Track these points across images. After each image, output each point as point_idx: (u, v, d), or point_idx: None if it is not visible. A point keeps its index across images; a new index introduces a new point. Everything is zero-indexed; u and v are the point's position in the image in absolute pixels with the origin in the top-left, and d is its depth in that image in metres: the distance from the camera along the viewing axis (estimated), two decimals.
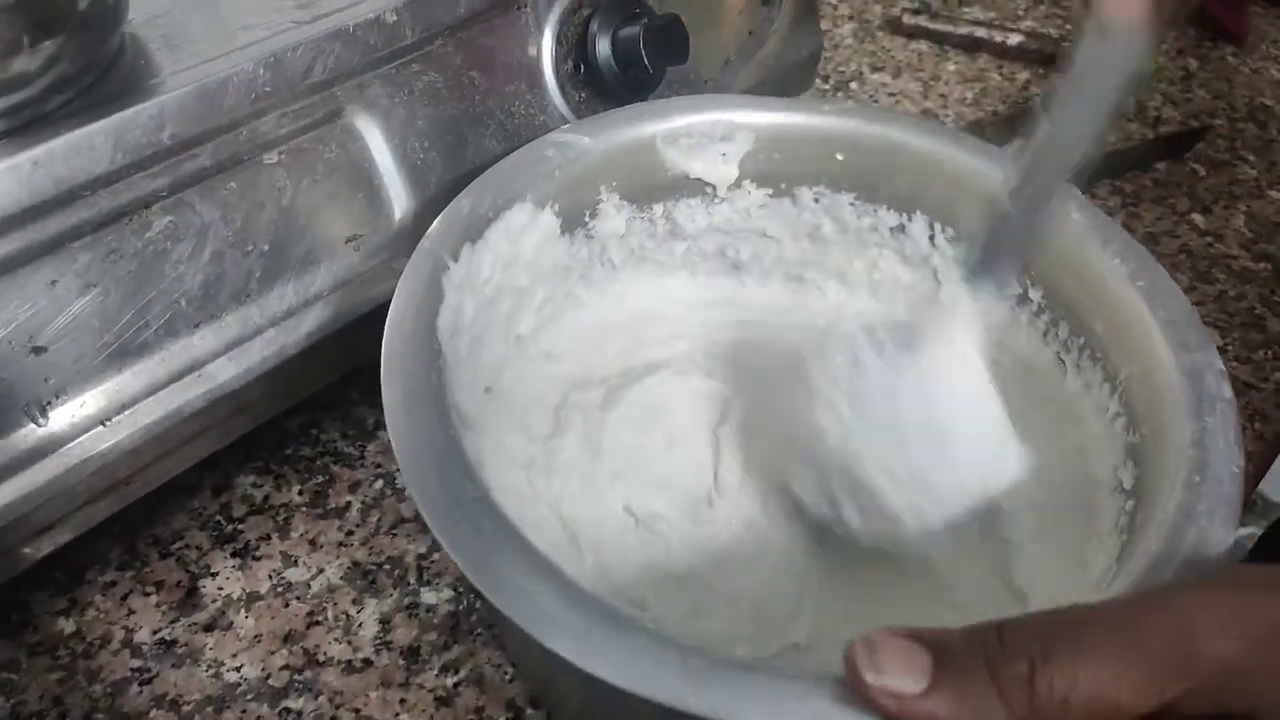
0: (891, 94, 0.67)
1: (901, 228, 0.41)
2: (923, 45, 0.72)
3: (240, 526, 0.40)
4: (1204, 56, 0.73)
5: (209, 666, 0.36)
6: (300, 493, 0.41)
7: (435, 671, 0.36)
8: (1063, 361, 0.37)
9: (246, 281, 0.35)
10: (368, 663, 0.36)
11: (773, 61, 0.53)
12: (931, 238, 0.41)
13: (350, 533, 0.40)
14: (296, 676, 0.36)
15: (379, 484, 0.42)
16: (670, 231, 0.42)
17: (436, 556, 0.39)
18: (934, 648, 0.23)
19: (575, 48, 0.43)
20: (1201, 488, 0.28)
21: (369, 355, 0.41)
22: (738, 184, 0.41)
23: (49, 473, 0.32)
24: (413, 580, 0.39)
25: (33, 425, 0.31)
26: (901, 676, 0.22)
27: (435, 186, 0.39)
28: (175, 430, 0.34)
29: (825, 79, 0.67)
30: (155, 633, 0.36)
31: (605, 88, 0.43)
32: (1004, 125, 0.63)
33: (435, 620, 0.37)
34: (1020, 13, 0.76)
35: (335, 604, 0.38)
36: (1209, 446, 0.29)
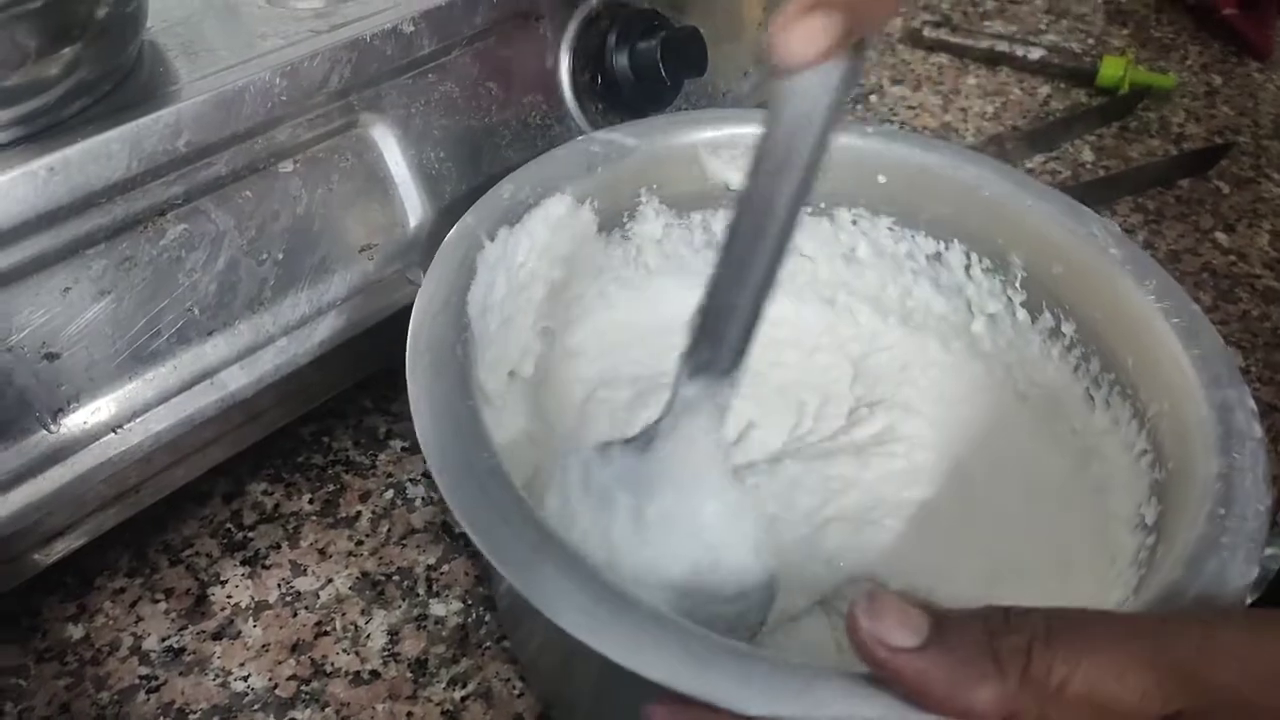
0: (911, 107, 0.66)
1: (938, 255, 0.41)
2: (943, 58, 0.71)
3: (250, 534, 0.40)
4: (1228, 72, 0.72)
5: (216, 675, 0.36)
6: (311, 501, 0.41)
7: (443, 685, 0.36)
8: (1092, 397, 0.37)
9: (260, 290, 0.35)
10: (375, 674, 0.36)
11: None
12: (967, 268, 0.40)
13: (360, 542, 0.40)
14: (303, 687, 0.35)
15: (390, 494, 0.42)
16: (707, 241, 0.42)
17: (446, 568, 0.39)
18: (935, 614, 0.22)
19: (593, 59, 0.43)
20: (1225, 522, 0.27)
21: (381, 364, 0.42)
22: None
23: (60, 479, 0.32)
24: (422, 592, 0.38)
25: (44, 431, 0.31)
26: (898, 628, 0.22)
27: (450, 196, 0.39)
28: (187, 438, 0.34)
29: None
30: (163, 640, 0.36)
31: (623, 99, 0.43)
32: (1024, 140, 0.62)
33: (444, 633, 0.37)
34: (1042, 27, 0.75)
35: (344, 614, 0.38)
36: (1235, 482, 0.28)
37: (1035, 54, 0.69)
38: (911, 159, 0.40)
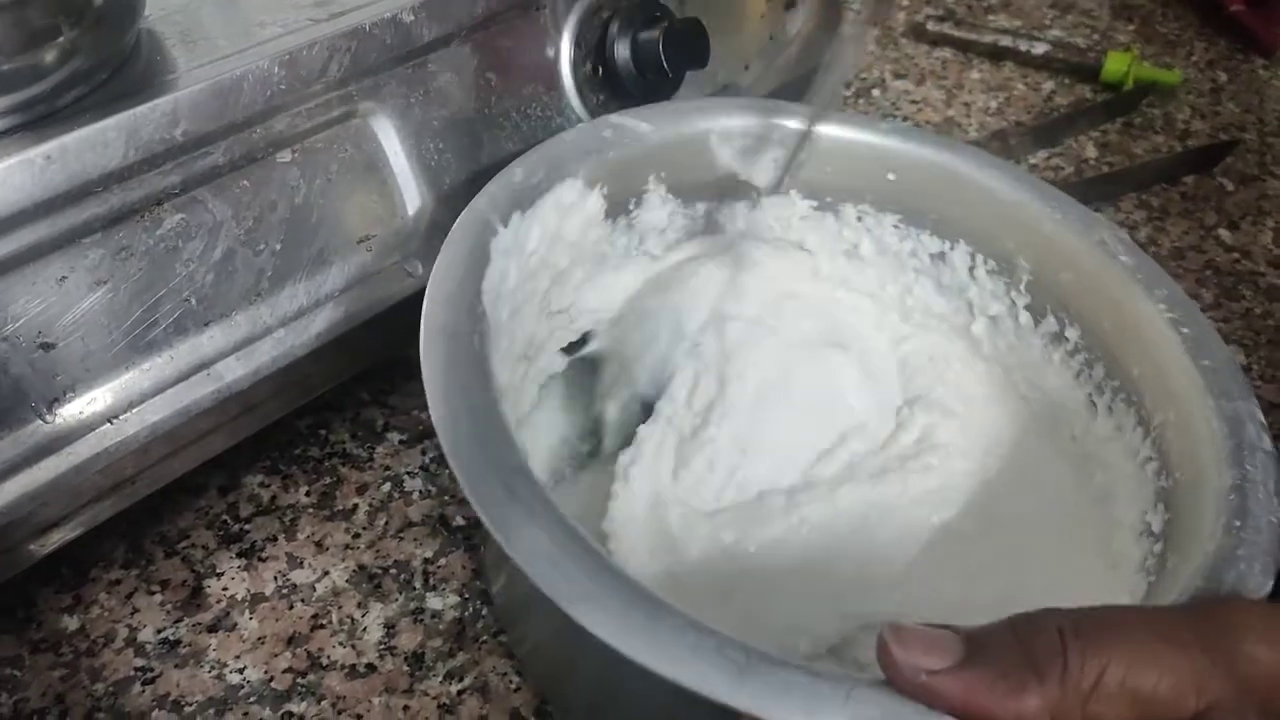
0: (914, 101, 0.66)
1: (942, 255, 0.41)
2: (946, 53, 0.71)
3: (247, 526, 0.40)
4: (1234, 69, 0.72)
5: (212, 667, 0.35)
6: (308, 494, 0.41)
7: (439, 679, 0.36)
8: (1094, 404, 0.37)
9: (257, 280, 0.35)
10: (371, 668, 0.36)
11: (794, 66, 0.53)
12: (971, 269, 0.40)
13: (357, 535, 0.40)
14: (299, 680, 0.35)
15: (387, 486, 0.41)
16: (708, 232, 0.42)
17: (443, 562, 0.39)
18: (964, 631, 0.22)
19: (594, 50, 0.42)
20: (1241, 533, 0.28)
21: (379, 356, 0.41)
22: (785, 191, 0.41)
23: (55, 469, 0.32)
24: (419, 585, 0.38)
25: (39, 422, 0.31)
26: (931, 653, 0.22)
27: (449, 187, 0.39)
28: (183, 429, 0.34)
29: (847, 85, 0.67)
30: (159, 632, 0.36)
31: (624, 90, 0.43)
32: (1028, 135, 0.62)
33: (441, 626, 0.37)
34: (1047, 22, 0.75)
35: (340, 607, 0.37)
36: (1249, 494, 0.29)
37: (1039, 49, 0.69)
38: (924, 158, 0.40)
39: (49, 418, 0.31)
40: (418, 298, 0.30)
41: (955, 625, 0.23)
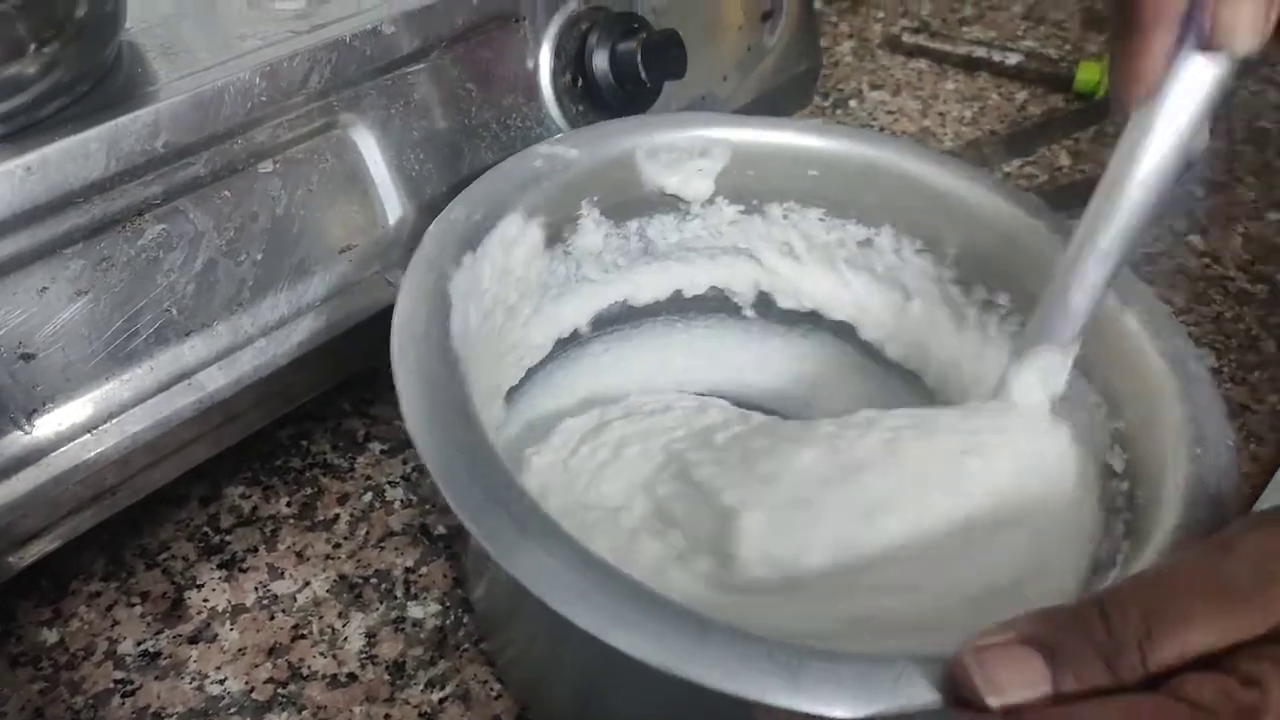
0: (890, 112, 0.67)
1: (869, 241, 0.42)
2: (922, 64, 0.72)
3: (228, 538, 0.40)
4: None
5: (192, 679, 0.35)
6: (289, 504, 0.41)
7: (420, 687, 0.36)
8: None
9: (239, 290, 0.35)
10: (352, 677, 0.36)
11: (771, 77, 0.53)
12: (898, 251, 0.41)
13: (338, 545, 0.40)
14: (280, 690, 0.35)
15: (368, 496, 0.41)
16: (643, 249, 0.42)
17: (424, 570, 0.39)
18: (1044, 647, 0.23)
19: (573, 61, 0.43)
20: (1204, 459, 0.29)
21: (361, 366, 0.41)
22: (711, 200, 0.41)
23: (35, 480, 0.32)
24: (400, 594, 0.38)
25: (19, 432, 0.31)
26: (1024, 691, 0.22)
27: (430, 197, 0.39)
28: (164, 439, 0.34)
29: (825, 96, 0.68)
30: (139, 644, 0.36)
31: (603, 101, 0.43)
32: (1001, 144, 0.63)
33: (422, 635, 0.37)
34: (1020, 33, 0.76)
35: (321, 617, 0.37)
36: (1204, 423, 0.30)
37: (1013, 59, 0.70)
38: (840, 151, 0.41)
39: (28, 428, 0.31)
40: None
41: (1025, 630, 0.23)
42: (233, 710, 0.35)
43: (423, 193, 0.39)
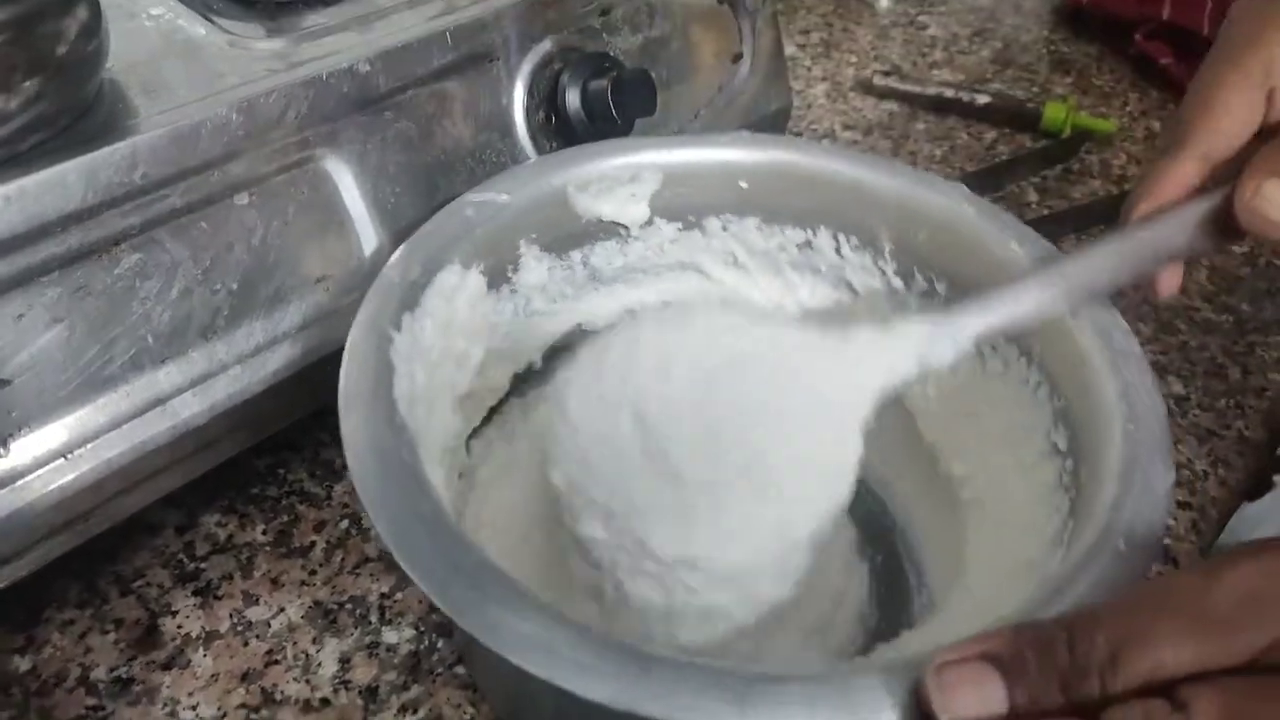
0: (863, 151, 0.69)
1: (808, 243, 0.43)
2: (893, 105, 0.74)
3: (203, 565, 0.40)
4: (1166, 118, 0.75)
5: (165, 705, 0.35)
6: (264, 532, 0.41)
7: (394, 711, 0.36)
8: (979, 347, 0.38)
9: (214, 319, 0.36)
10: (326, 702, 0.36)
11: (743, 117, 0.55)
12: (838, 249, 0.42)
13: (314, 572, 0.40)
14: (253, 715, 0.35)
15: (344, 524, 0.42)
16: (589, 276, 0.43)
17: (399, 596, 0.39)
18: (1005, 668, 0.23)
19: (546, 99, 0.44)
20: (1138, 435, 0.30)
21: (337, 395, 0.42)
22: (649, 222, 0.42)
23: (9, 505, 0.32)
24: (374, 619, 0.39)
25: None
26: (977, 709, 0.23)
27: (406, 230, 0.40)
28: (138, 465, 0.34)
29: (799, 135, 0.69)
30: (112, 671, 0.36)
31: (576, 138, 0.45)
32: (971, 182, 0.64)
33: (395, 660, 0.37)
34: (988, 76, 0.78)
35: (295, 643, 0.38)
36: (1134, 399, 0.31)
37: (981, 100, 0.72)
38: (766, 160, 0.42)
39: (3, 452, 0.32)
40: None
41: (988, 647, 0.23)
42: None
43: (398, 224, 0.40)
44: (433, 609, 0.39)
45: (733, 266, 0.44)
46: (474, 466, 0.41)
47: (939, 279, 0.40)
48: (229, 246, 0.36)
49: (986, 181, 0.65)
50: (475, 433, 0.41)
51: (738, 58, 0.55)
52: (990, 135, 0.71)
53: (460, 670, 0.37)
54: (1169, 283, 0.34)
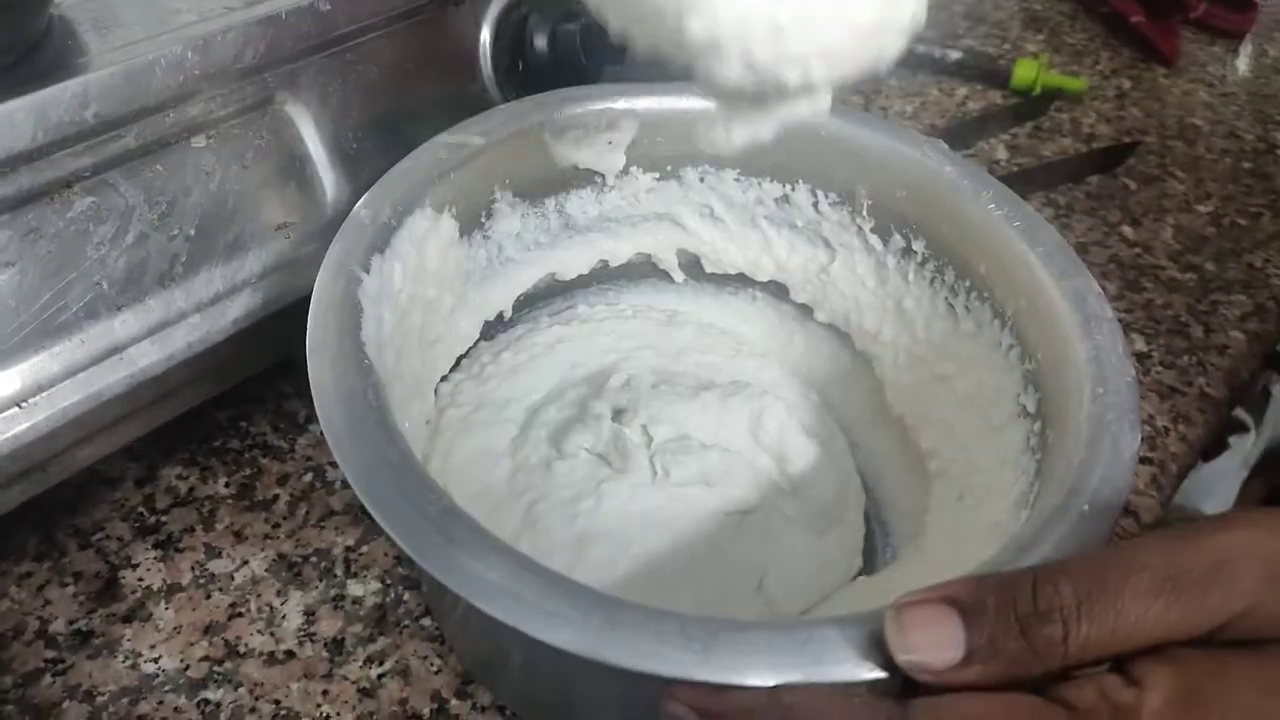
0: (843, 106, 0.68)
1: (786, 198, 0.42)
2: None
3: (164, 518, 0.39)
4: (1137, 77, 0.75)
5: (126, 657, 0.35)
6: (227, 485, 0.41)
7: (360, 663, 0.36)
8: (953, 307, 0.39)
9: (171, 265, 0.35)
10: (290, 654, 0.36)
11: None
12: (815, 204, 0.42)
13: (277, 525, 0.39)
14: (216, 668, 0.35)
15: (309, 477, 0.41)
16: (564, 224, 0.42)
17: (365, 549, 0.39)
18: (965, 611, 0.23)
19: (513, 43, 0.43)
20: (1106, 399, 0.30)
21: (300, 346, 0.41)
22: (625, 170, 0.42)
23: None
24: (340, 572, 0.38)
25: None
26: (934, 651, 0.22)
27: (369, 176, 0.39)
28: (94, 414, 0.34)
29: None
30: (71, 623, 0.36)
31: (542, 84, 0.43)
32: (942, 138, 0.64)
33: (361, 612, 0.37)
34: (960, 32, 0.78)
35: (259, 595, 0.37)
36: (1104, 362, 0.31)
37: (953, 56, 0.71)
38: None
39: None
40: None
41: (951, 591, 0.23)
42: (167, 688, 0.34)
43: (362, 172, 0.39)
44: (399, 561, 0.39)
45: (709, 219, 0.44)
46: (442, 409, 0.40)
47: (916, 237, 0.40)
48: (186, 191, 0.35)
49: (957, 138, 0.65)
50: (443, 378, 0.41)
51: None
52: (961, 92, 0.71)
53: (427, 622, 0.37)
54: None
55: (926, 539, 0.36)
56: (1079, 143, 0.67)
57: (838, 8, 0.25)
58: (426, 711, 0.34)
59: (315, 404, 0.28)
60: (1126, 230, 0.60)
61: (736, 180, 0.43)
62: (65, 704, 0.34)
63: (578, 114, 0.40)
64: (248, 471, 0.41)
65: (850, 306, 0.43)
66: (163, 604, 0.37)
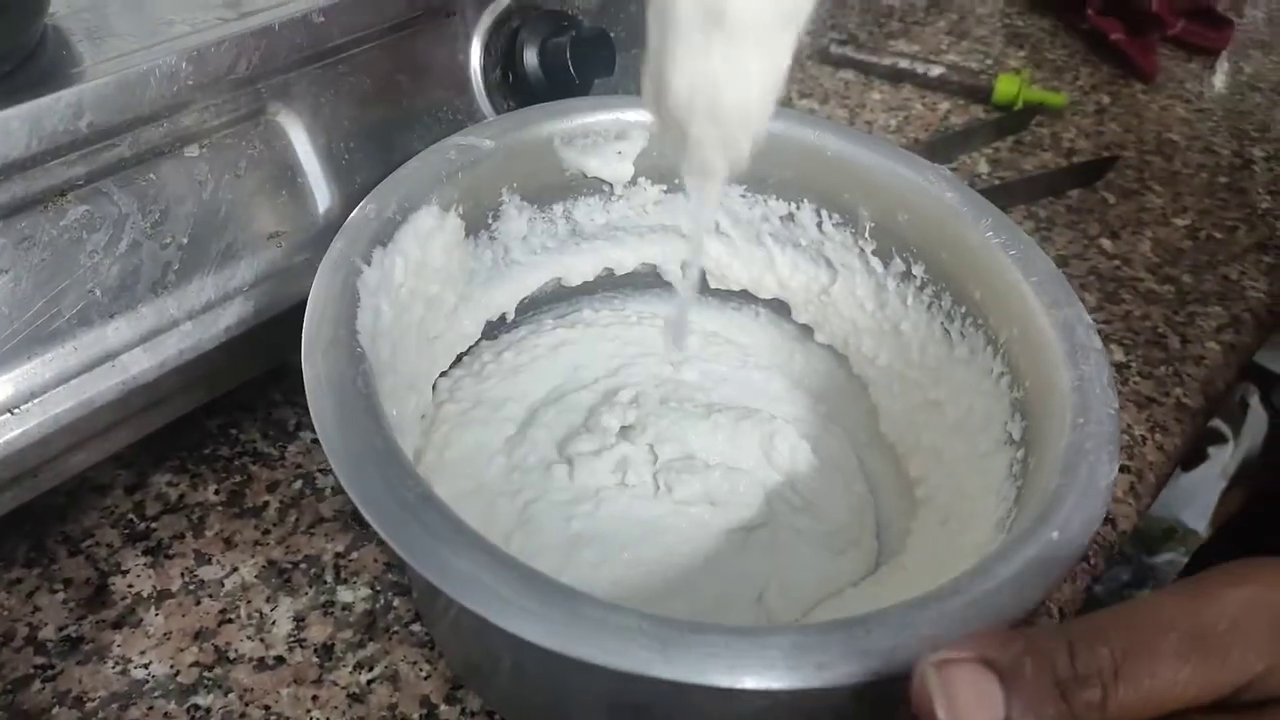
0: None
1: (791, 216, 0.43)
2: (849, 74, 0.74)
3: (154, 525, 0.39)
4: (1116, 93, 0.76)
5: (116, 663, 0.35)
6: (217, 492, 0.41)
7: (349, 669, 0.36)
8: (948, 332, 0.39)
9: (164, 273, 0.35)
10: (280, 660, 0.36)
11: None
12: (819, 224, 0.43)
13: (267, 531, 0.40)
14: (206, 674, 0.35)
15: (298, 484, 0.42)
16: (571, 230, 0.43)
17: (355, 555, 0.39)
18: (1003, 672, 0.22)
19: (504, 57, 0.44)
20: (1086, 428, 0.30)
21: (290, 354, 0.41)
22: (634, 181, 0.43)
23: None
24: (329, 579, 0.38)
25: None
26: (975, 712, 0.22)
27: (360, 186, 0.39)
28: (86, 421, 0.34)
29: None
30: (61, 630, 0.36)
31: (533, 97, 0.44)
32: (924, 152, 0.65)
33: (351, 618, 0.37)
34: (943, 47, 0.79)
35: (249, 602, 0.37)
36: (1088, 391, 0.32)
37: (936, 72, 0.72)
38: None
39: None
40: None
41: (986, 650, 0.23)
42: (157, 693, 0.34)
43: (353, 182, 0.40)
44: (389, 568, 0.39)
45: (715, 233, 0.44)
46: (440, 403, 0.41)
47: (916, 261, 0.40)
48: (179, 199, 0.35)
49: (939, 151, 0.66)
50: (443, 374, 0.41)
51: None
52: (944, 106, 0.72)
53: (416, 628, 0.37)
54: None
55: (907, 556, 0.37)
56: (1059, 157, 0.68)
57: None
58: (416, 716, 0.35)
59: (306, 387, 0.29)
60: (1105, 243, 0.61)
61: (743, 196, 0.43)
62: (55, 710, 0.34)
63: (588, 122, 0.41)
64: (238, 478, 0.41)
65: (849, 329, 0.43)
66: (153, 610, 0.37)
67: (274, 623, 0.37)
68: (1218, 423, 1.25)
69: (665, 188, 0.43)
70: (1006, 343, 0.36)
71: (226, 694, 0.35)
